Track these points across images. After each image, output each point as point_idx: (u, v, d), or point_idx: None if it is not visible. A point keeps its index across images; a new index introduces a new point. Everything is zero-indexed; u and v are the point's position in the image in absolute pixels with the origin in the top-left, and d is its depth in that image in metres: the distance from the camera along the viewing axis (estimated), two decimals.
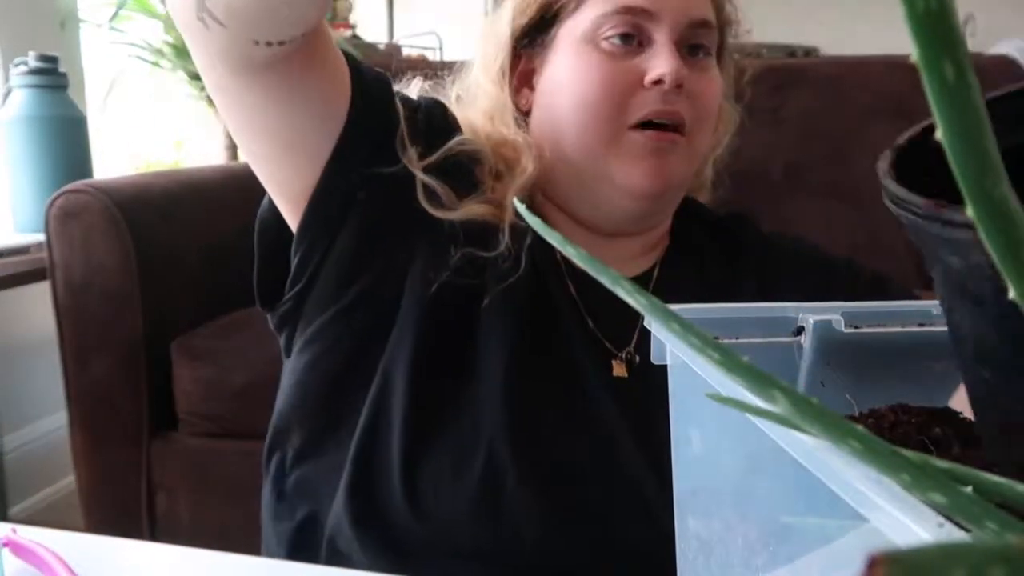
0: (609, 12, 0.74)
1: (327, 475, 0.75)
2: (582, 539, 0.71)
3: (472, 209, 0.74)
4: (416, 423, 0.71)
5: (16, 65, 1.78)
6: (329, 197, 0.73)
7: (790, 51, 3.33)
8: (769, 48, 3.24)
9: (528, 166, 0.77)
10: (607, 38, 0.75)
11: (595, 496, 0.72)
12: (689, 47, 0.76)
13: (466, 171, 0.77)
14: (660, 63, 0.73)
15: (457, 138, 0.77)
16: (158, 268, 1.45)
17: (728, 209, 0.93)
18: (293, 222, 0.76)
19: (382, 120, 0.75)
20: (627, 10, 0.74)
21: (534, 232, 0.76)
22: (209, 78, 0.69)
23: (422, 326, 0.73)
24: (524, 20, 0.80)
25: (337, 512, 0.72)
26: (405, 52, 3.09)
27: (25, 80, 1.76)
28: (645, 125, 0.75)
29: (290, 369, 0.79)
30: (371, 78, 0.75)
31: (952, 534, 0.21)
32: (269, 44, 0.64)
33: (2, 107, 1.79)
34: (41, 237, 1.46)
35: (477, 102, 0.82)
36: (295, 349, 0.78)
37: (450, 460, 0.70)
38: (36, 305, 1.81)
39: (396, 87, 0.80)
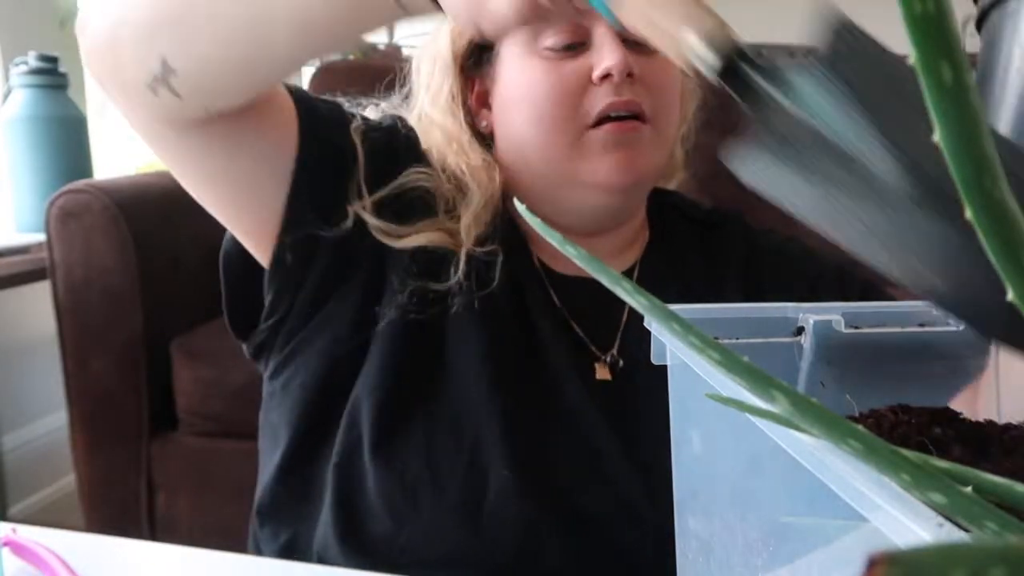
0: None
1: (305, 498, 0.75)
2: (566, 542, 0.70)
3: (422, 237, 0.73)
4: (385, 427, 0.71)
5: (16, 65, 1.78)
6: (294, 238, 0.72)
7: (790, 51, 3.32)
8: (769, 48, 3.24)
9: (475, 195, 0.75)
10: (549, 47, 0.73)
11: (579, 499, 0.72)
12: (635, 40, 0.74)
13: (419, 199, 0.75)
14: (605, 56, 0.71)
15: (409, 171, 0.76)
16: (158, 268, 1.45)
17: (716, 206, 0.91)
18: (260, 256, 0.75)
19: (336, 157, 0.73)
20: None
21: (509, 244, 0.76)
22: (143, 133, 0.69)
23: (388, 346, 0.72)
24: (464, 41, 0.78)
25: (323, 528, 0.73)
26: (405, 52, 3.08)
27: (25, 80, 1.76)
28: (603, 120, 0.73)
29: (268, 393, 0.79)
30: (321, 115, 0.74)
31: (952, 534, 0.21)
32: (220, 111, 0.65)
33: (2, 107, 1.79)
34: (41, 237, 1.46)
35: (430, 133, 0.80)
36: (270, 372, 0.78)
37: (430, 469, 0.70)
38: (36, 305, 1.81)
39: (357, 110, 0.79)
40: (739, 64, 0.33)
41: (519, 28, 0.73)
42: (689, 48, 0.33)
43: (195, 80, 0.62)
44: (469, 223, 0.74)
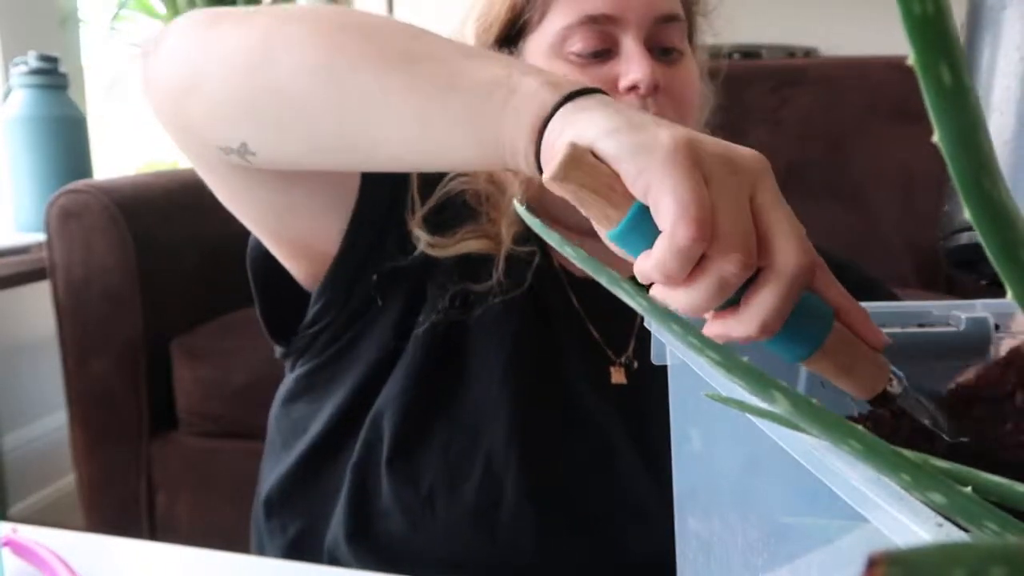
0: (573, 23, 0.71)
1: (320, 492, 0.75)
2: (580, 547, 0.71)
3: (467, 244, 0.73)
4: (407, 432, 0.71)
5: (16, 65, 1.78)
6: (352, 260, 0.73)
7: (790, 51, 3.32)
8: (769, 48, 3.24)
9: (516, 194, 0.75)
10: (575, 52, 0.72)
11: (593, 504, 0.72)
12: (661, 50, 0.73)
13: (463, 203, 0.75)
14: (633, 68, 0.70)
15: (449, 178, 0.76)
16: (158, 268, 1.45)
17: None
18: (297, 268, 0.75)
19: (393, 180, 0.73)
20: (591, 19, 0.71)
21: (538, 252, 0.75)
22: (193, 161, 0.67)
23: (418, 351, 0.73)
24: (490, 39, 0.77)
25: (336, 525, 0.73)
26: None
27: (25, 80, 1.76)
28: None
29: (296, 388, 0.79)
30: None
31: (952, 534, 0.21)
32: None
33: (2, 107, 1.79)
34: (41, 237, 1.46)
35: None
36: (305, 371, 0.78)
37: (447, 471, 0.70)
38: (36, 305, 1.81)
39: None
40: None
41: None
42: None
43: (275, 163, 0.60)
44: (509, 222, 0.74)
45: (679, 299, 0.40)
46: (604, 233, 0.42)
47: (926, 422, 0.41)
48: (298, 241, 0.73)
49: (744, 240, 0.38)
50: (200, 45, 0.60)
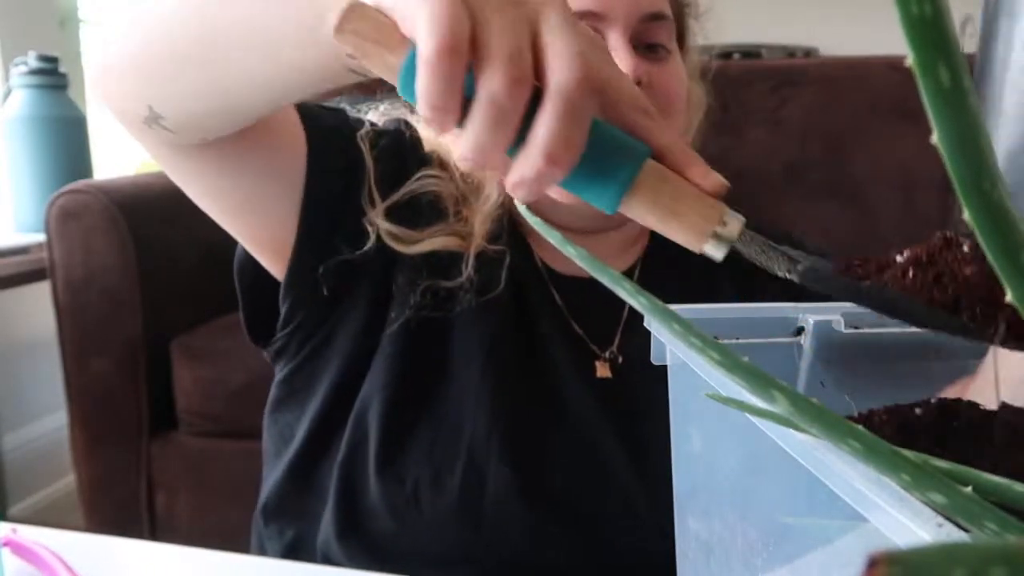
0: None
1: (312, 495, 0.76)
2: (567, 541, 0.71)
3: (435, 241, 0.74)
4: (392, 431, 0.72)
5: (16, 65, 1.78)
6: (308, 251, 0.72)
7: (790, 51, 3.32)
8: (769, 48, 3.24)
9: (492, 193, 0.75)
10: None
11: (578, 498, 0.72)
12: (646, 46, 0.74)
13: (429, 203, 0.76)
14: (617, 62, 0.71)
15: (419, 175, 0.76)
16: (158, 268, 1.45)
17: None
18: (272, 268, 0.75)
19: (346, 168, 0.73)
20: (577, 15, 0.72)
21: (512, 243, 0.76)
22: (150, 153, 0.69)
23: (396, 347, 0.73)
24: None
25: (326, 525, 0.73)
26: None
27: (25, 80, 1.76)
28: None
29: (281, 394, 0.80)
30: (328, 128, 0.73)
31: (952, 534, 0.21)
32: (218, 138, 0.64)
33: (2, 107, 1.79)
34: (41, 237, 1.46)
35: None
36: (285, 375, 0.79)
37: (430, 467, 0.71)
38: (36, 305, 1.81)
39: (359, 115, 0.78)
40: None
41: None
42: (718, 227, 0.38)
43: (184, 122, 0.61)
44: (482, 220, 0.74)
45: (466, 142, 0.38)
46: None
47: (778, 270, 0.37)
48: (264, 239, 0.73)
49: (510, 56, 0.37)
50: (113, 28, 0.63)
